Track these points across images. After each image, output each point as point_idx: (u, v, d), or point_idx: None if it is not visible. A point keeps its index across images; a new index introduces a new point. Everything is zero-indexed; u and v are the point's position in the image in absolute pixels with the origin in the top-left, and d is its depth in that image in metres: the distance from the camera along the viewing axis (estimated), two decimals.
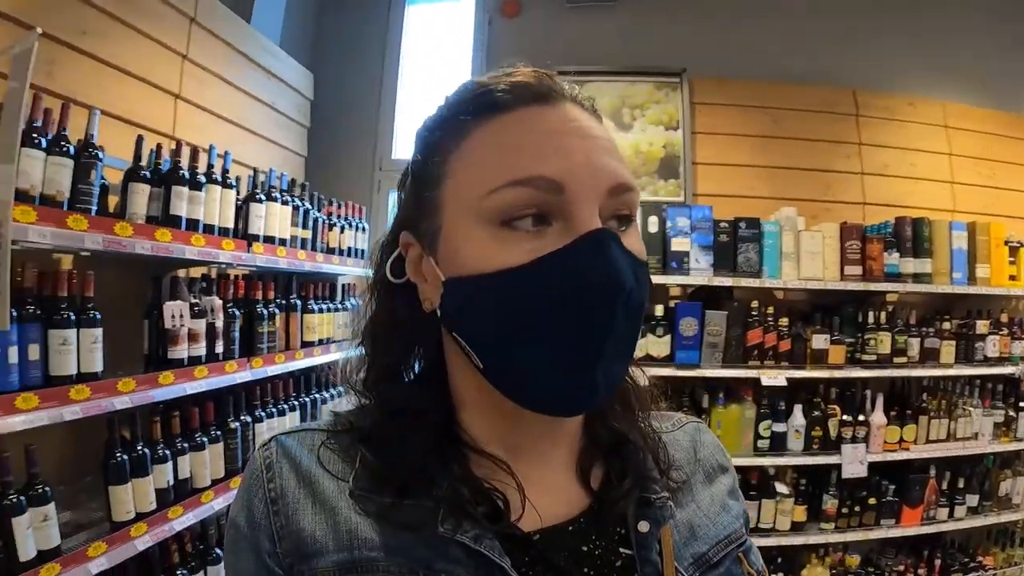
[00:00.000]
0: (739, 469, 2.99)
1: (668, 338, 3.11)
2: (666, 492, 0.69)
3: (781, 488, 3.13)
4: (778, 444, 3.13)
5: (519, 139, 0.59)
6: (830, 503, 3.15)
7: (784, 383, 3.01)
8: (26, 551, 1.67)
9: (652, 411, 0.78)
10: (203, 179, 2.26)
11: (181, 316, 2.22)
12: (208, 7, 2.82)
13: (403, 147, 4.20)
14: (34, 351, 1.79)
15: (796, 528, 3.16)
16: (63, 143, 1.90)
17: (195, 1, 2.77)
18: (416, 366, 0.70)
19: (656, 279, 3.12)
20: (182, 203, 2.22)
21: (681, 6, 3.75)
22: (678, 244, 3.14)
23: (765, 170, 3.57)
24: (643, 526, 0.65)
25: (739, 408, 3.10)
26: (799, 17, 3.79)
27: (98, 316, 1.98)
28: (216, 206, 2.33)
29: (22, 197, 1.76)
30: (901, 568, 3.32)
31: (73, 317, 1.90)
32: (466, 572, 0.59)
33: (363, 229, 3.54)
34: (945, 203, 3.83)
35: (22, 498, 1.69)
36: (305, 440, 0.67)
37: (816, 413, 3.15)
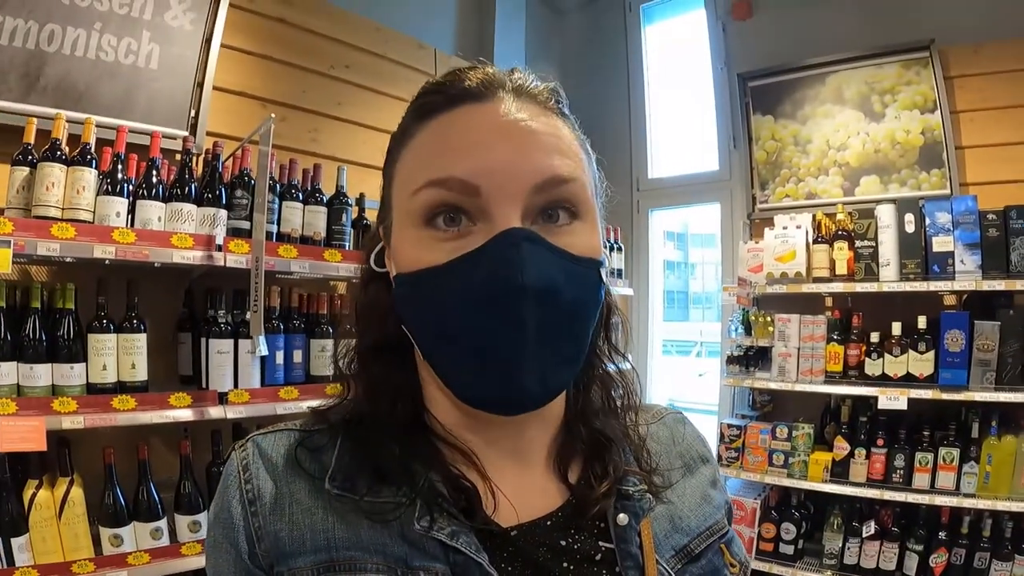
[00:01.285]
0: (1011, 516, 2.42)
1: (931, 355, 2.75)
2: (644, 485, 0.69)
3: None
4: None
5: (443, 140, 0.60)
6: None
7: None
8: None
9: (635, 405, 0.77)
10: None
11: None
12: (448, 65, 3.29)
13: (659, 166, 4.26)
14: (298, 355, 2.38)
15: None
16: (318, 194, 2.48)
17: (435, 62, 3.29)
18: (394, 352, 0.69)
19: (915, 286, 2.78)
20: None
21: None
22: (940, 244, 2.75)
23: None
24: (622, 519, 0.65)
25: (1015, 440, 2.57)
26: None
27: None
28: None
29: (285, 238, 2.36)
30: None
31: (331, 330, 2.46)
32: (444, 568, 0.59)
33: (619, 249, 3.74)
34: None
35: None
36: (281, 439, 0.68)
37: None
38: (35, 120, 1.97)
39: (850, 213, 2.99)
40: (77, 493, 1.92)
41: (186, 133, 2.39)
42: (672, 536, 0.69)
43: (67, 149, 1.95)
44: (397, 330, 0.66)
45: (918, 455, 2.74)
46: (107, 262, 1.95)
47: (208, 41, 2.48)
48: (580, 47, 4.45)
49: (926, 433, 2.75)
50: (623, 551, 0.64)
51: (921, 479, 2.72)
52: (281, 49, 2.75)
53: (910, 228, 2.80)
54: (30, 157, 1.93)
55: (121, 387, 1.99)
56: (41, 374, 1.88)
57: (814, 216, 3.10)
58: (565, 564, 0.63)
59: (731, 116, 3.70)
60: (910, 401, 2.71)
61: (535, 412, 0.63)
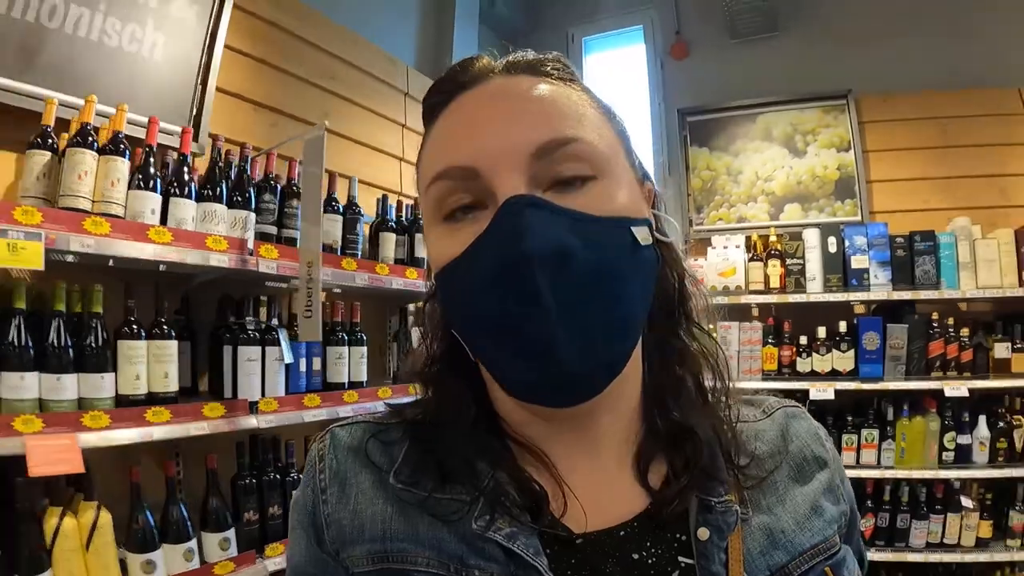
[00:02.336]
0: (924, 482, 2.76)
1: (852, 353, 3.10)
2: (730, 495, 0.59)
3: (966, 502, 2.98)
4: (963, 456, 2.99)
5: (442, 135, 0.59)
6: (1017, 519, 2.95)
7: (966, 394, 2.88)
8: None
9: (741, 396, 0.67)
10: None
11: None
12: (418, 82, 3.24)
13: None
14: (317, 363, 2.21)
15: (981, 544, 2.99)
16: (334, 203, 2.33)
17: (407, 80, 3.22)
18: (456, 358, 0.65)
19: (837, 297, 3.12)
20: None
21: (842, 27, 3.70)
22: (857, 262, 3.14)
23: (938, 181, 3.39)
24: (703, 533, 0.57)
25: (923, 420, 2.98)
26: (958, 22, 3.55)
27: (364, 337, 2.40)
28: None
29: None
30: None
31: (345, 337, 2.31)
32: (500, 570, 0.55)
33: None
34: None
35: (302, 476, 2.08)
36: (356, 432, 0.66)
37: (1001, 424, 2.98)
38: (55, 101, 1.69)
39: (780, 235, 3.30)
40: (106, 519, 1.62)
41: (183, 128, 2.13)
42: (769, 553, 0.59)
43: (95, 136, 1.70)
44: (454, 337, 0.62)
45: (844, 436, 3.06)
46: (110, 263, 1.71)
47: (212, 38, 2.25)
48: None
49: (850, 418, 3.09)
50: (704, 569, 0.56)
51: (848, 457, 3.04)
52: (275, 54, 2.56)
53: (832, 249, 3.15)
54: (50, 141, 1.66)
55: (151, 398, 1.74)
56: (68, 386, 1.60)
57: (748, 237, 3.38)
58: None
59: (667, 146, 3.95)
60: (836, 392, 3.03)
61: (602, 402, 0.56)
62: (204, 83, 2.23)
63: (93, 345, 1.65)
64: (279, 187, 2.10)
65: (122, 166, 1.71)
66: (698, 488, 0.58)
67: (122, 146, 1.72)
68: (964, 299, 3.05)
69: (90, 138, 1.67)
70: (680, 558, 0.56)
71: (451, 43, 3.72)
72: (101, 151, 1.69)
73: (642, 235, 0.56)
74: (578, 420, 0.59)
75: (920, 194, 3.40)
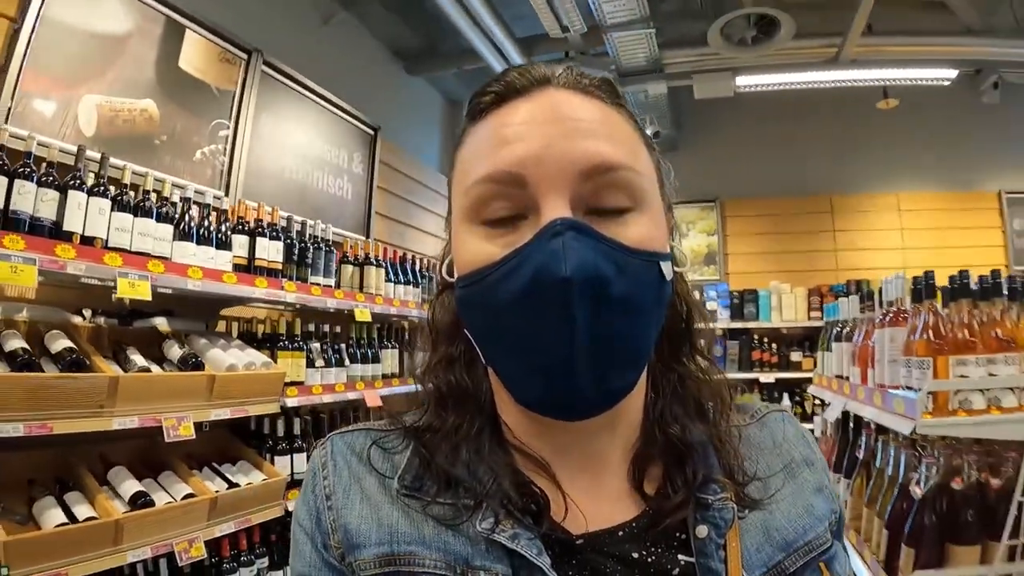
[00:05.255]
0: None
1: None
2: (726, 493, 0.67)
3: None
4: None
5: (491, 137, 0.65)
6: None
7: (774, 380, 5.88)
8: None
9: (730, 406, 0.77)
10: None
11: None
12: None
13: None
14: None
15: None
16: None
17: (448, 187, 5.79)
18: (465, 361, 0.74)
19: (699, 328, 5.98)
20: None
21: (716, 149, 6.61)
22: (710, 305, 6.02)
23: (770, 254, 6.52)
24: (701, 530, 0.65)
25: (750, 396, 5.72)
26: (786, 149, 6.53)
27: None
28: None
29: None
30: None
31: None
32: (506, 570, 0.63)
33: None
34: (896, 264, 6.02)
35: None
36: (357, 439, 0.75)
37: (797, 398, 5.89)
38: (349, 239, 4.17)
39: None
40: None
41: (363, 238, 4.61)
42: (765, 550, 0.68)
43: (365, 257, 4.17)
44: (466, 339, 0.71)
45: None
46: (393, 318, 4.21)
47: (371, 181, 4.75)
48: None
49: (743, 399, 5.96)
50: (703, 566, 0.64)
51: None
52: (390, 183, 5.05)
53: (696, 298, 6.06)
54: (350, 257, 4.07)
55: (392, 375, 4.27)
56: (369, 370, 4.11)
57: None
58: None
59: None
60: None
61: (605, 418, 0.65)
62: (369, 208, 4.71)
63: (370, 352, 4.15)
64: (427, 274, 4.64)
65: (381, 271, 4.20)
66: (696, 489, 0.68)
67: (379, 259, 4.20)
68: (773, 327, 6.02)
69: (374, 260, 4.11)
70: (680, 556, 0.65)
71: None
72: (377, 265, 4.14)
73: (667, 270, 0.65)
74: (581, 433, 0.69)
75: (757, 263, 6.42)
